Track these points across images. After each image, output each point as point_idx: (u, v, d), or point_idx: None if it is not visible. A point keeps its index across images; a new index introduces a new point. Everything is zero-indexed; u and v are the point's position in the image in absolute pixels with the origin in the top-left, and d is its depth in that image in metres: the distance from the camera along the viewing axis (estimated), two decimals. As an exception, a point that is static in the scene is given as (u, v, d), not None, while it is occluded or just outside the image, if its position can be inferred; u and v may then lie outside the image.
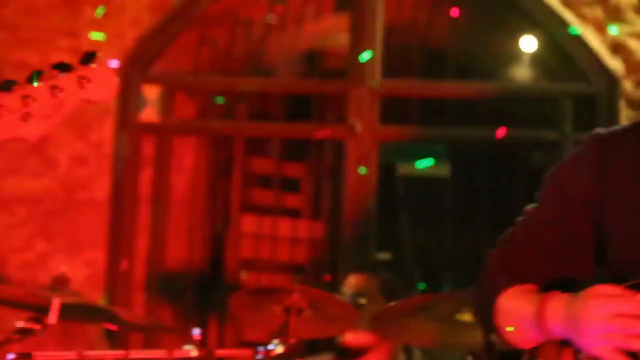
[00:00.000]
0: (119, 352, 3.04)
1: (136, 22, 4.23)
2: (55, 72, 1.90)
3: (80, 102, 1.88)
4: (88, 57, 1.89)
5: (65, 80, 1.88)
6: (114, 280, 4.19)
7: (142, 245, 4.34)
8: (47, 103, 1.90)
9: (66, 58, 4.12)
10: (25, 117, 1.90)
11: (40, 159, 4.13)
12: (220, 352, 2.82)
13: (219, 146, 4.66)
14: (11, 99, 1.91)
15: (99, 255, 4.17)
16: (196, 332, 2.77)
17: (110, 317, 3.10)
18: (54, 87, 1.89)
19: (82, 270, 4.11)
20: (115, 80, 1.89)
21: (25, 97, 1.90)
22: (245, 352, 2.86)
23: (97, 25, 4.19)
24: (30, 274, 4.11)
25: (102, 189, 4.20)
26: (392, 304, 2.90)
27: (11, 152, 4.02)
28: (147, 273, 4.34)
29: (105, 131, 4.19)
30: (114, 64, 1.94)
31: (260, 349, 2.75)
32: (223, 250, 4.61)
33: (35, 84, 1.91)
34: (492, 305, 1.64)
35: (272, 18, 4.48)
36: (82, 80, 1.87)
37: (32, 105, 1.90)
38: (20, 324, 2.80)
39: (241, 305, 3.00)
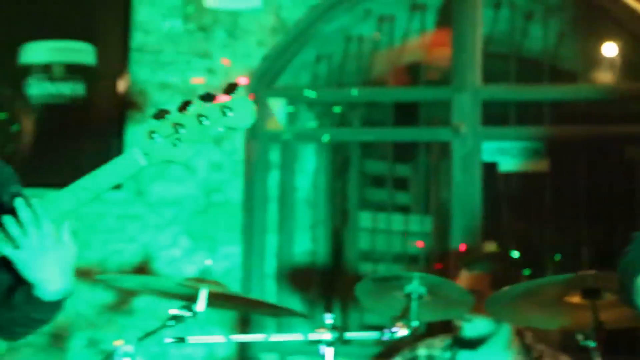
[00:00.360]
0: (260, 335, 3.05)
1: (261, 43, 4.25)
2: (201, 102, 1.94)
3: (223, 128, 1.91)
4: (230, 88, 1.91)
5: (210, 109, 1.92)
6: (248, 272, 4.22)
7: (272, 240, 4.37)
8: (195, 130, 1.93)
9: (202, 78, 4.22)
10: (175, 142, 1.94)
11: (183, 167, 4.18)
12: (349, 335, 2.80)
13: (337, 151, 4.66)
14: (164, 126, 1.96)
15: (235, 250, 4.20)
16: (327, 316, 2.75)
17: (251, 304, 3.13)
18: (200, 116, 1.92)
19: (220, 263, 4.16)
20: (254, 108, 1.91)
21: (176, 125, 1.95)
22: (372, 334, 2.84)
23: (228, 48, 4.24)
24: (176, 268, 4.17)
25: (236, 191, 4.24)
26: (504, 289, 2.85)
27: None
28: (277, 265, 4.37)
29: (238, 141, 4.22)
30: (243, 81, 1.96)
31: (386, 331, 2.75)
32: (343, 243, 4.60)
33: (185, 113, 1.94)
34: (631, 287, 1.70)
35: (377, 35, 4.46)
36: (224, 109, 1.90)
37: (182, 132, 1.94)
38: (173, 311, 2.84)
39: (366, 291, 2.98)
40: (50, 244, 1.85)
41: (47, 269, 1.88)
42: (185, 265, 4.18)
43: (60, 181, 4.51)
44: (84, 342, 4.21)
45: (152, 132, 1.88)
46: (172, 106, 1.92)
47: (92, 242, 4.21)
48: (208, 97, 1.87)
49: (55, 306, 1.96)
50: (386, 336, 2.74)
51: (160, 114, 1.90)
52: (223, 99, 1.86)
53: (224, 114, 1.85)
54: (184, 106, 1.89)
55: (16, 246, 1.84)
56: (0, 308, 1.98)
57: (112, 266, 4.21)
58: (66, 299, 1.95)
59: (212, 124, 1.86)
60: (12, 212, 1.89)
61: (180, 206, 4.22)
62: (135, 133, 4.19)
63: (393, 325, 2.76)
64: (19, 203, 1.85)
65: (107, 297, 4.21)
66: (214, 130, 1.87)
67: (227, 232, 4.21)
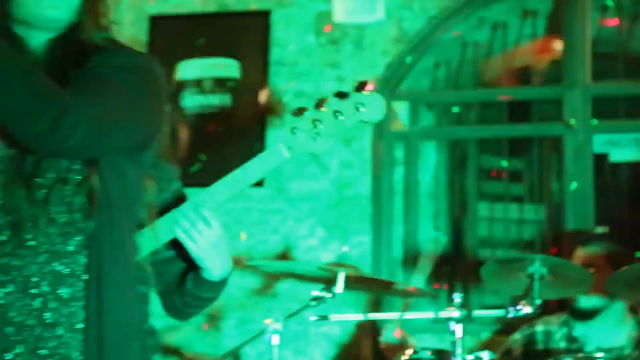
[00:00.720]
0: (394, 314, 3.04)
1: (385, 53, 4.24)
2: (336, 99, 1.91)
3: (357, 123, 1.89)
4: (361, 86, 1.88)
5: (344, 105, 1.89)
6: (378, 258, 4.21)
7: (398, 229, 4.34)
8: (332, 124, 1.91)
9: (333, 87, 4.22)
10: (315, 136, 1.92)
11: (317, 166, 4.21)
12: (476, 312, 2.77)
13: (455, 147, 4.59)
14: (304, 122, 1.95)
15: (365, 239, 4.20)
16: (456, 296, 2.74)
17: (387, 285, 3.13)
18: (336, 112, 1.90)
19: (353, 251, 4.16)
20: (384, 102, 1.87)
21: (314, 120, 1.93)
22: (498, 312, 2.80)
23: (356, 58, 4.24)
24: (313, 256, 4.20)
25: (364, 187, 4.23)
26: (620, 270, 2.74)
27: (296, 161, 4.13)
28: (404, 251, 4.33)
29: (366, 140, 4.22)
30: (370, 87, 1.94)
31: (511, 309, 2.69)
32: (462, 231, 4.53)
33: (322, 110, 1.93)
34: None
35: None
36: (357, 105, 1.87)
37: (320, 127, 1.92)
38: (315, 293, 2.86)
39: (491, 273, 2.93)
40: (217, 235, 1.88)
41: (216, 257, 1.92)
42: (321, 253, 4.21)
43: (211, 181, 4.63)
44: (235, 321, 4.29)
45: (294, 127, 1.86)
46: (310, 104, 1.91)
47: (240, 234, 4.29)
48: (342, 95, 1.85)
49: (222, 284, 1.99)
50: (511, 313, 2.68)
51: (299, 111, 1.88)
52: (355, 96, 1.84)
53: (357, 109, 1.82)
54: (320, 103, 1.87)
55: (193, 240, 1.87)
56: (176, 294, 2.02)
57: (258, 255, 4.27)
58: (229, 277, 1.98)
59: (347, 118, 1.84)
60: (175, 206, 1.91)
61: (315, 201, 4.25)
62: (275, 136, 4.24)
63: (516, 304, 2.70)
64: (191, 203, 1.88)
65: (254, 282, 4.27)
66: (348, 124, 1.84)
67: (358, 223, 4.21)
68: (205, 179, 4.29)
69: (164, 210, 1.94)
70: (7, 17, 1.56)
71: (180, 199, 2.18)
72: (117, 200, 1.56)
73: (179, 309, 2.05)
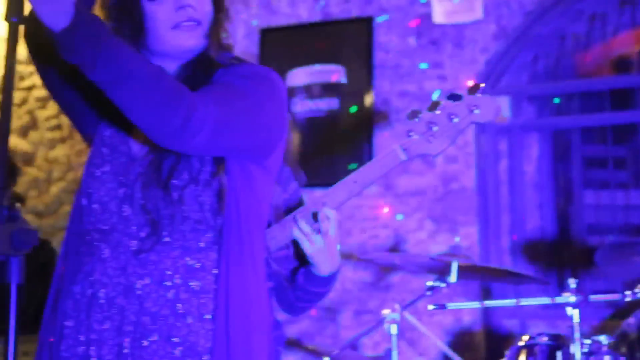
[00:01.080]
0: (510, 300, 3.01)
1: (484, 50, 4.30)
2: (449, 101, 1.99)
3: (471, 124, 1.95)
4: (473, 89, 1.94)
5: (458, 108, 1.97)
6: (487, 248, 4.26)
7: (505, 219, 4.38)
8: (446, 126, 1.98)
9: (435, 86, 4.30)
10: (430, 138, 2.00)
11: (423, 162, 4.31)
12: (593, 297, 2.75)
13: (558, 137, 4.59)
14: (419, 125, 2.03)
15: (472, 230, 4.26)
16: (572, 281, 2.70)
17: (500, 273, 3.13)
18: (450, 114, 1.98)
19: (461, 242, 4.23)
20: (499, 103, 1.93)
21: (429, 123, 2.02)
22: (614, 296, 2.78)
23: (456, 57, 4.31)
24: (423, 249, 4.29)
25: (469, 180, 4.30)
26: None
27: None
28: (511, 241, 4.37)
29: (469, 135, 4.28)
30: (471, 83, 1.96)
31: (627, 293, 2.69)
32: (569, 219, 4.53)
33: (437, 112, 2.00)
34: None
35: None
36: (471, 107, 1.94)
37: (435, 129, 2.00)
38: (429, 283, 2.89)
39: (605, 258, 2.94)
40: (332, 236, 1.93)
41: (328, 256, 1.96)
42: (430, 245, 4.28)
43: (321, 181, 4.81)
44: (351, 313, 4.40)
45: (409, 130, 1.89)
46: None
47: (352, 229, 4.41)
48: (455, 97, 1.87)
49: (333, 279, 2.04)
50: (628, 297, 2.66)
51: (414, 114, 1.91)
52: (469, 98, 1.88)
53: (471, 111, 1.86)
54: (434, 106, 1.89)
55: (310, 242, 1.92)
56: (289, 289, 2.09)
57: (370, 249, 4.37)
58: (338, 272, 2.03)
59: (461, 120, 1.87)
60: (294, 207, 2.00)
61: (423, 195, 4.34)
62: (382, 137, 4.35)
63: (632, 288, 2.69)
64: (309, 205, 1.92)
65: (368, 275, 4.38)
66: (462, 126, 1.88)
67: (465, 215, 4.27)
68: (314, 179, 4.50)
69: (283, 210, 2.06)
70: (144, 50, 1.64)
71: (298, 200, 2.29)
72: (245, 200, 1.61)
73: (292, 304, 2.10)
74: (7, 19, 1.30)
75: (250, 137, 1.61)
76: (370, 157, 4.34)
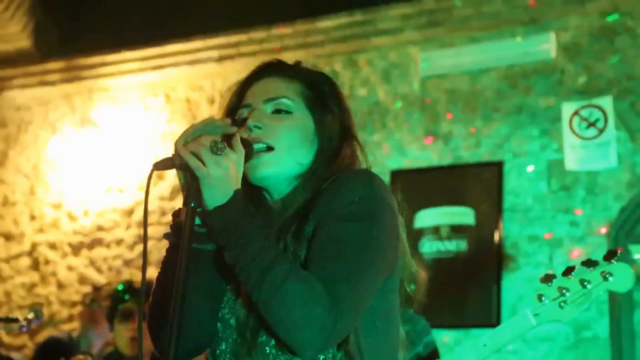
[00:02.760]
0: None
1: (618, 197, 4.16)
2: (583, 268, 1.93)
3: (604, 292, 1.89)
4: (610, 255, 1.90)
5: (592, 274, 1.91)
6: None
7: (641, 374, 4.10)
8: (578, 293, 1.92)
9: (567, 231, 4.08)
10: (562, 304, 1.92)
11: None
12: None
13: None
14: (551, 290, 1.95)
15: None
16: None
17: None
18: (583, 280, 1.92)
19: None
20: (633, 274, 1.87)
21: (561, 288, 1.94)
22: None
23: (587, 203, 4.16)
24: None
25: (603, 328, 4.08)
26: None
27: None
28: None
29: (602, 284, 4.08)
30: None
31: None
32: None
33: (570, 278, 1.94)
34: None
35: None
36: (606, 275, 1.88)
37: (567, 295, 1.93)
38: None
39: None
40: None
41: None
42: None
43: (448, 322, 4.62)
44: None
45: (541, 295, 1.90)
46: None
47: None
48: (590, 263, 1.88)
49: None
50: None
51: (547, 279, 1.94)
52: (604, 264, 1.87)
53: (605, 278, 1.85)
54: (568, 271, 1.89)
55: None
56: None
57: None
58: None
59: (594, 288, 1.87)
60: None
61: (553, 342, 4.16)
62: (511, 280, 4.22)
63: None
64: None
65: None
66: (596, 293, 1.87)
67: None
68: (442, 320, 4.33)
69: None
70: (248, 184, 1.53)
71: (433, 354, 2.24)
72: (369, 345, 1.49)
73: None
74: (187, 203, 1.41)
75: (373, 292, 1.49)
76: (498, 301, 4.21)
